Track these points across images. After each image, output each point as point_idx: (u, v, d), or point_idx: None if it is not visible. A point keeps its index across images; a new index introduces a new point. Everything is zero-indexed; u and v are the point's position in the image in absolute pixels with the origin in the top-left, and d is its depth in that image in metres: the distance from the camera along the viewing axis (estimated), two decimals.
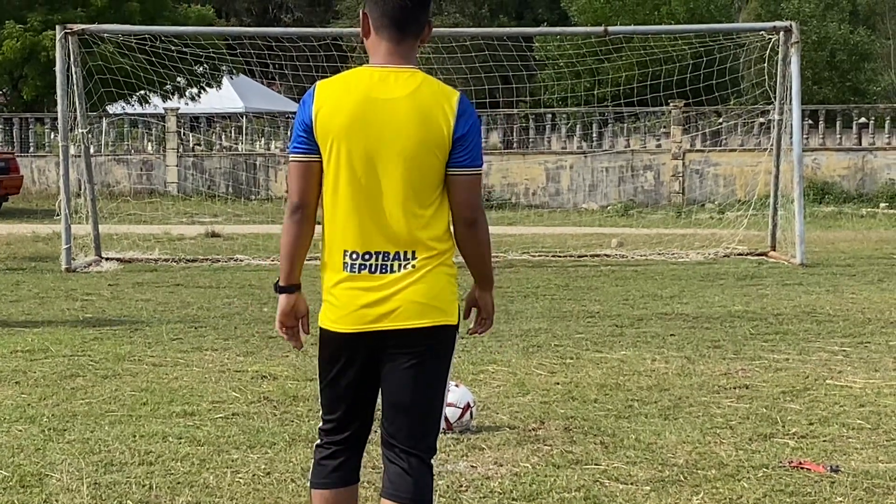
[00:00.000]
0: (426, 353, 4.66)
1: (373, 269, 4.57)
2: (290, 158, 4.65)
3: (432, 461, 4.75)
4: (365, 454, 4.96)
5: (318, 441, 4.86)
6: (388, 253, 4.56)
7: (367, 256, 4.57)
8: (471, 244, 4.70)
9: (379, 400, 4.80)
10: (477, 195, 4.65)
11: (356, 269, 4.57)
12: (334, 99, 4.55)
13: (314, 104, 4.56)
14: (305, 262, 4.76)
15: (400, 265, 4.57)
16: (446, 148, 4.53)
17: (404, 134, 4.51)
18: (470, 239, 4.68)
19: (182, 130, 36.54)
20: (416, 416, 4.68)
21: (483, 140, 23.05)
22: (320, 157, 4.58)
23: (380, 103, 4.52)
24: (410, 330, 4.59)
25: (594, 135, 35.65)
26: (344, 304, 4.61)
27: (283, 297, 4.78)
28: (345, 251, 4.59)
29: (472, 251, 4.73)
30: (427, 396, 4.69)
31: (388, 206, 4.54)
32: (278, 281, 4.78)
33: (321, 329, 4.71)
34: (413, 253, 4.57)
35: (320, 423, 4.85)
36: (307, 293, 4.81)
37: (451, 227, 4.68)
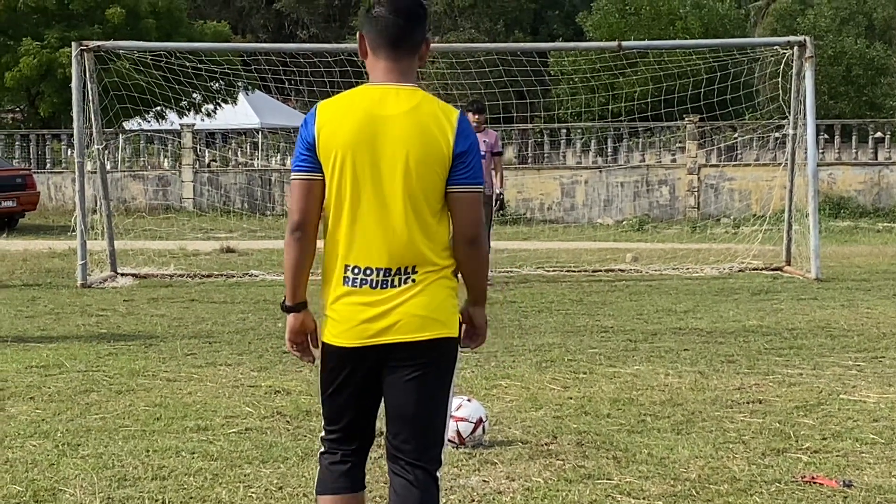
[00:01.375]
0: (428, 365, 4.69)
1: (374, 285, 4.64)
2: (293, 177, 4.71)
3: (438, 473, 4.78)
4: (376, 467, 4.98)
5: (322, 448, 4.91)
6: (390, 269, 4.63)
7: (368, 272, 4.64)
8: (472, 263, 4.75)
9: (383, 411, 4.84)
10: (478, 213, 4.69)
11: (357, 284, 4.65)
12: (337, 117, 4.64)
13: (316, 123, 4.65)
14: (310, 279, 4.80)
15: (400, 280, 4.63)
16: (446, 164, 4.61)
17: (405, 150, 4.59)
18: (471, 258, 4.73)
19: (198, 146, 36.63)
20: (419, 428, 4.72)
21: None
22: (322, 176, 4.64)
23: (381, 120, 4.61)
24: (412, 343, 4.64)
25: (609, 150, 35.65)
26: (345, 319, 4.66)
27: (290, 317, 4.84)
28: (346, 266, 4.66)
29: (472, 270, 4.77)
30: (430, 408, 4.73)
31: (390, 222, 4.60)
32: (285, 300, 4.83)
33: (323, 343, 4.77)
34: (413, 268, 4.64)
35: (322, 433, 4.91)
36: (313, 308, 4.84)
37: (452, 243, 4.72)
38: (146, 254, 20.69)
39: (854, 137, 35.07)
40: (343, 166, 4.60)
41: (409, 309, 4.61)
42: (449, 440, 7.13)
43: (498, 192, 17.10)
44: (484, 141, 16.75)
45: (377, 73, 4.72)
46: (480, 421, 7.59)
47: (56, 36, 38.48)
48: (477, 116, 16.66)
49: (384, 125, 4.60)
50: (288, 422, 8.35)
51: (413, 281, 4.63)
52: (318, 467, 4.93)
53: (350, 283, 4.64)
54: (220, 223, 30.38)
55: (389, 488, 4.77)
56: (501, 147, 17.80)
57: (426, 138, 4.59)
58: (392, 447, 4.76)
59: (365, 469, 4.93)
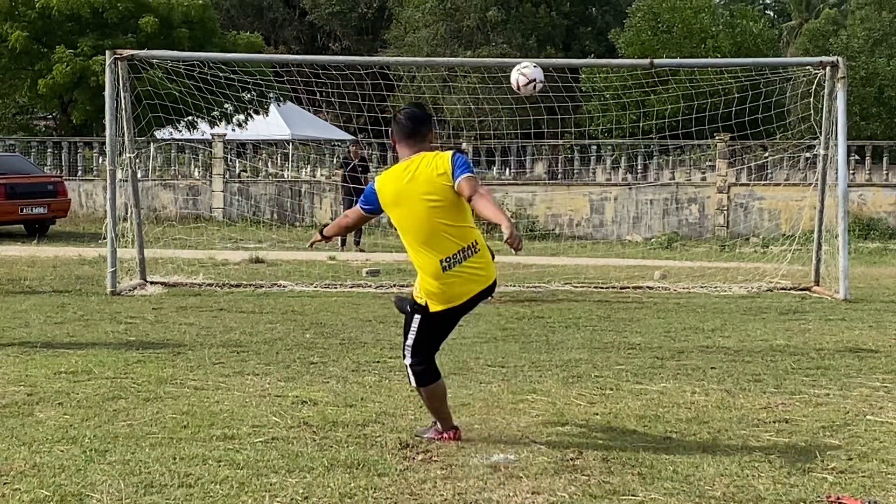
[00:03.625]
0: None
1: (458, 263, 7.67)
2: (359, 206, 8.16)
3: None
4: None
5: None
6: (460, 250, 7.69)
7: (451, 258, 7.67)
8: (482, 208, 7.44)
9: None
10: (475, 186, 7.53)
11: (451, 267, 7.66)
12: (384, 180, 7.88)
13: (376, 185, 7.92)
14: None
15: (471, 253, 7.71)
16: (449, 176, 7.61)
17: (422, 186, 7.67)
18: (481, 205, 7.44)
19: (229, 156, 36.77)
20: None
21: (528, 170, 23.14)
22: (373, 211, 8.11)
23: (407, 177, 7.75)
24: (487, 288, 7.87)
25: (639, 167, 35.65)
26: (449, 289, 7.73)
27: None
28: (440, 260, 7.63)
29: (484, 213, 7.45)
30: None
31: (432, 229, 7.72)
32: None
33: (433, 313, 7.82)
34: (474, 244, 7.74)
35: (409, 361, 7.99)
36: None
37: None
38: (175, 262, 20.79)
39: (885, 159, 34.98)
40: (393, 212, 7.83)
41: (481, 271, 7.79)
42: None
43: None
44: None
45: (402, 154, 7.89)
46: (534, 80, 11.02)
47: (89, 44, 38.74)
48: None
49: (410, 177, 7.72)
50: (314, 432, 8.37)
51: (477, 252, 7.74)
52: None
53: (447, 269, 7.66)
54: (249, 233, 30.47)
55: None
56: None
57: (432, 170, 7.65)
58: None
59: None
